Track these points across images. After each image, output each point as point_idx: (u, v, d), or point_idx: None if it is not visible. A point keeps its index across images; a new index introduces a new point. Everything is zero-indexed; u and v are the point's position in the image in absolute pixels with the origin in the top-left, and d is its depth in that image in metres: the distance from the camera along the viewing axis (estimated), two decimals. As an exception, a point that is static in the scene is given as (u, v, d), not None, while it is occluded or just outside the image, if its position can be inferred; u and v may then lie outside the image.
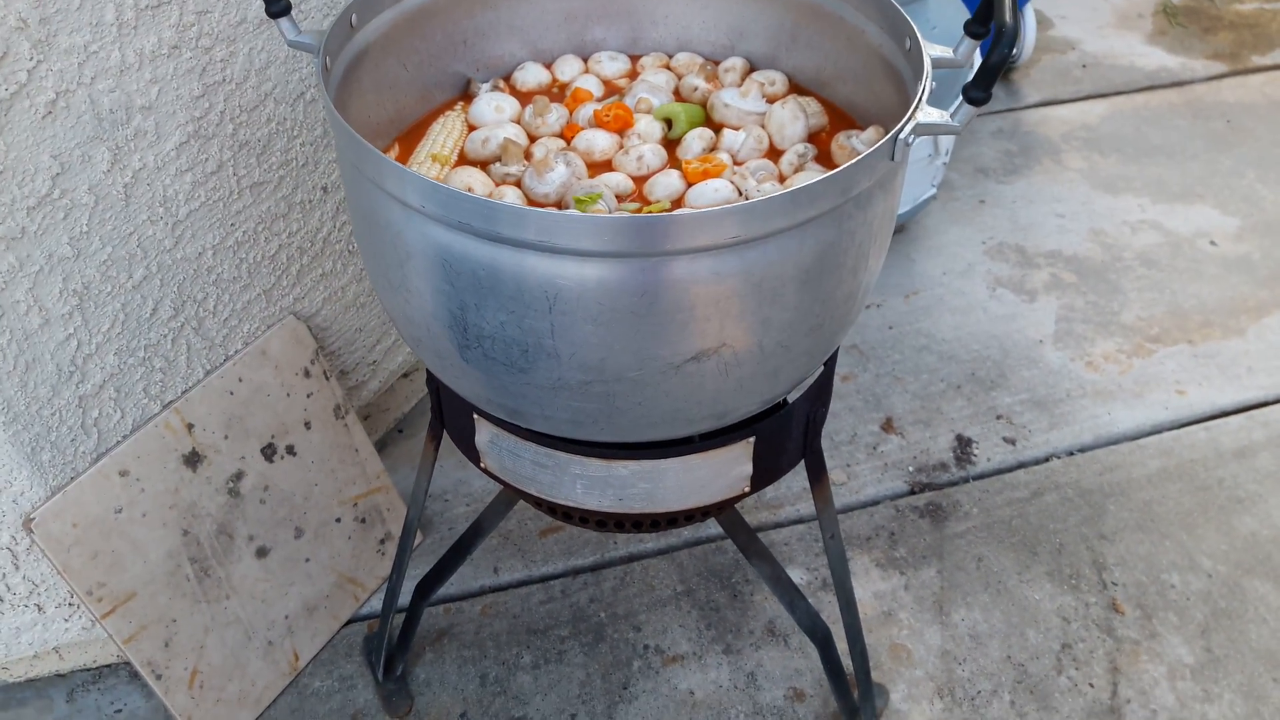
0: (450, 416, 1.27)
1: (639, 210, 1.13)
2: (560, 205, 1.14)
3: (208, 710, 1.56)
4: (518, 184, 1.17)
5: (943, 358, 2.23)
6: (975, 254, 2.50)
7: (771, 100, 1.26)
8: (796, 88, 1.31)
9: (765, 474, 1.22)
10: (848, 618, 1.47)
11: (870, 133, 1.18)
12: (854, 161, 0.92)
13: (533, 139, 1.24)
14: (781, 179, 1.17)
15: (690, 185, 1.15)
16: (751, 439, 1.17)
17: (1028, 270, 2.45)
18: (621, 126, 1.24)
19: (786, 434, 1.22)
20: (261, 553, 1.61)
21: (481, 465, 1.26)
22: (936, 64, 1.06)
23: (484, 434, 1.22)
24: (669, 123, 1.25)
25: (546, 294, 0.92)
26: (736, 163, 1.20)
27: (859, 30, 1.20)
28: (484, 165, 1.20)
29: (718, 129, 1.24)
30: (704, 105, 1.28)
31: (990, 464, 2.01)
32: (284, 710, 1.65)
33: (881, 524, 1.91)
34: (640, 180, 1.18)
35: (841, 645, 1.56)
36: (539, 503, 1.27)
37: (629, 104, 1.27)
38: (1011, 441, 2.05)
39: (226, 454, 1.54)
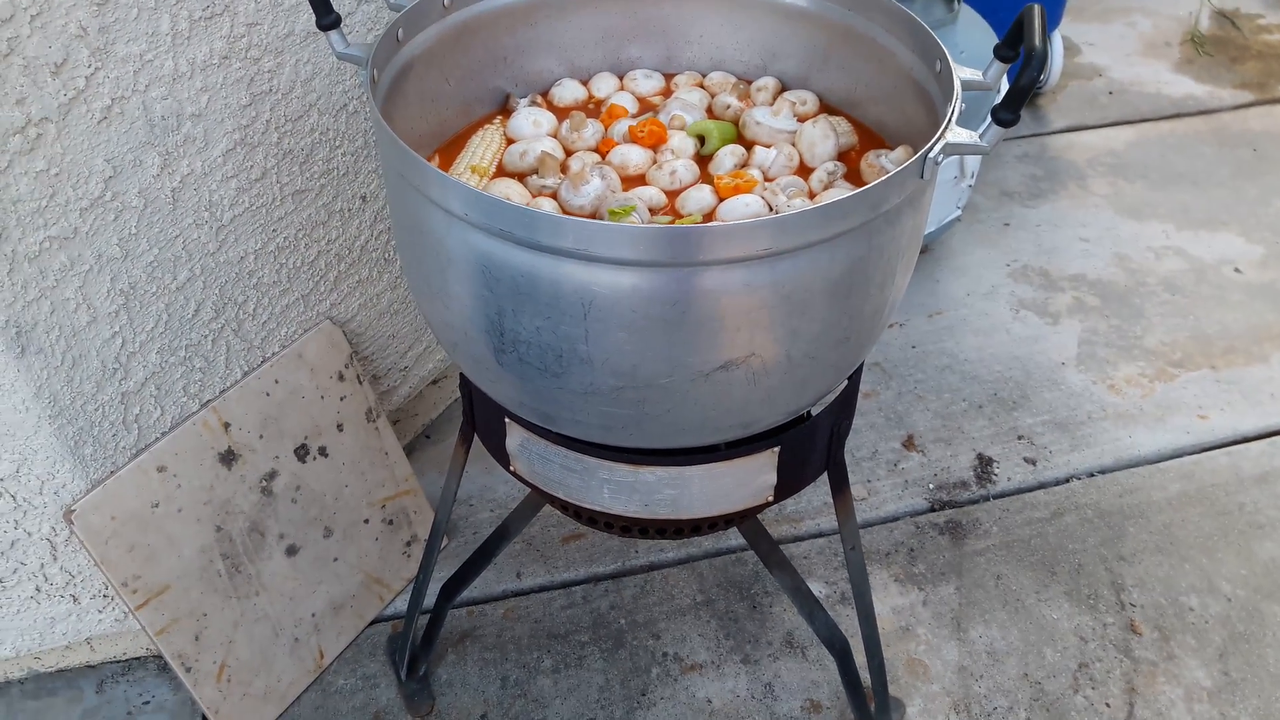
0: (482, 420, 1.30)
1: (672, 223, 1.16)
2: (595, 217, 1.17)
3: (234, 704, 1.59)
4: (554, 196, 1.20)
5: (965, 377, 2.24)
6: (999, 276, 2.52)
7: (802, 119, 1.29)
8: (827, 107, 1.34)
9: (788, 484, 1.25)
10: (866, 630, 1.48)
11: (899, 152, 1.20)
12: (885, 178, 0.94)
13: (569, 153, 1.28)
14: (811, 195, 1.20)
15: (722, 200, 1.18)
16: (776, 449, 1.19)
17: (1051, 293, 2.47)
18: (655, 142, 1.27)
19: (810, 445, 1.24)
20: (291, 551, 1.65)
21: (511, 469, 1.29)
22: (966, 86, 1.09)
23: (515, 438, 1.25)
24: (702, 139, 1.28)
25: (582, 301, 0.95)
26: (767, 179, 1.23)
27: (890, 52, 1.22)
28: (521, 177, 1.23)
29: (749, 146, 1.27)
30: (736, 123, 1.31)
31: (1011, 483, 2.02)
32: (308, 707, 1.68)
33: (901, 540, 1.92)
34: (673, 194, 1.21)
35: (859, 658, 1.58)
36: (565, 507, 1.30)
37: (663, 120, 1.30)
38: (1032, 462, 2.06)
39: (261, 453, 1.58)
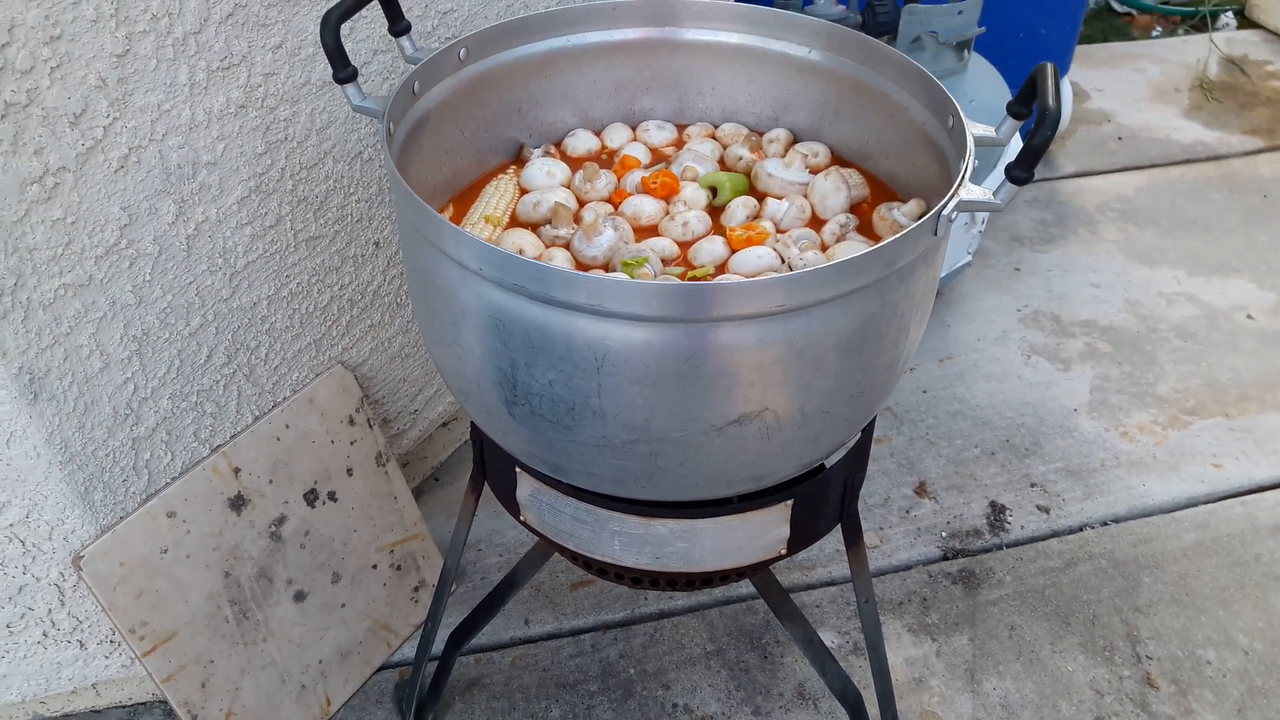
0: (492, 469, 1.29)
1: (684, 275, 1.17)
2: (608, 268, 1.17)
3: (240, 753, 1.58)
4: (567, 246, 1.20)
5: (977, 423, 2.23)
6: (1010, 321, 2.51)
7: (814, 171, 1.30)
8: (839, 159, 1.34)
9: (802, 537, 1.24)
10: (880, 683, 1.47)
11: (912, 205, 1.21)
12: (899, 236, 0.94)
13: (582, 203, 1.28)
14: (824, 248, 1.20)
15: (734, 252, 1.18)
16: (789, 502, 1.18)
17: (1063, 339, 2.46)
18: (668, 193, 1.28)
19: (824, 498, 1.23)
20: (299, 597, 1.64)
21: (521, 518, 1.28)
22: (979, 142, 1.09)
23: (525, 488, 1.24)
24: (714, 191, 1.28)
25: (595, 355, 0.95)
26: (779, 231, 1.23)
27: (902, 107, 1.23)
28: (535, 227, 1.24)
29: (761, 198, 1.27)
30: (748, 174, 1.31)
31: (1024, 532, 2.01)
32: (313, 756, 1.67)
33: (914, 589, 1.90)
34: (685, 245, 1.21)
35: (872, 710, 1.56)
36: (575, 557, 1.29)
37: (675, 171, 1.30)
38: (1045, 510, 2.05)
39: (271, 498, 1.57)
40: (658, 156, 1.36)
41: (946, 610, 1.87)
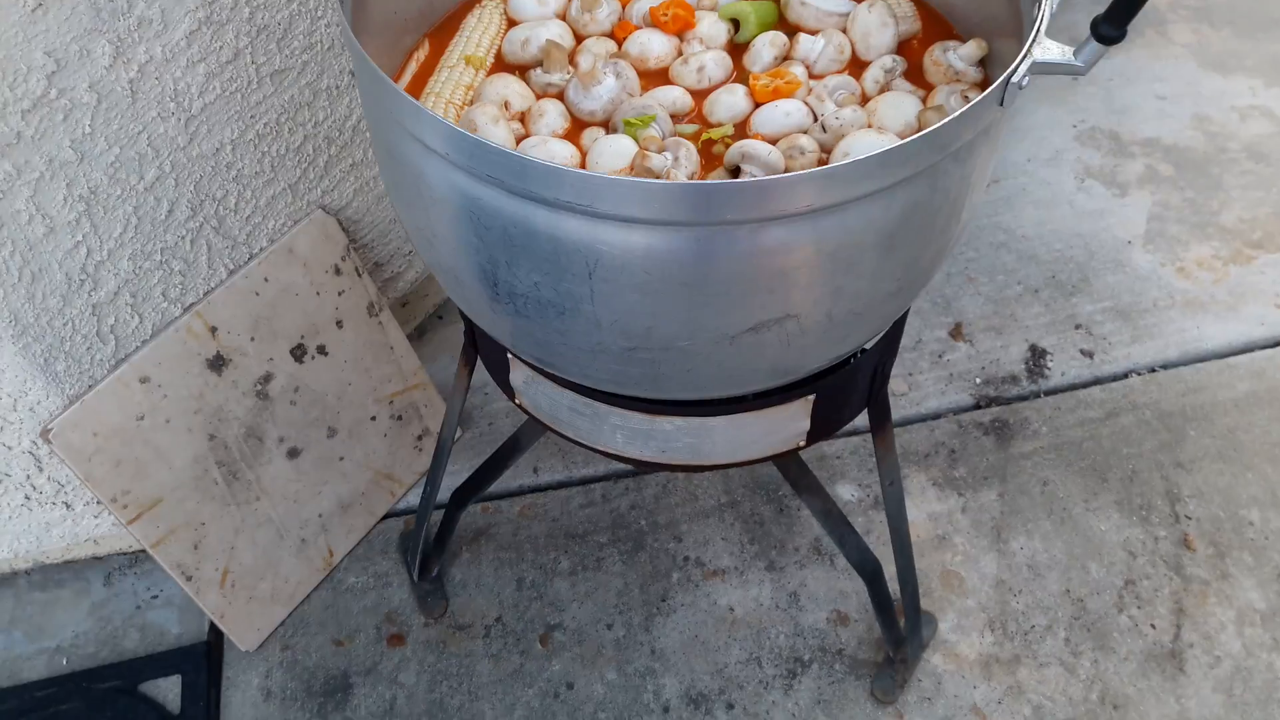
0: (485, 350, 1.17)
1: (698, 135, 1.00)
2: (608, 125, 1.01)
3: (240, 608, 1.54)
4: (560, 96, 1.03)
5: (1021, 257, 2.07)
6: (1064, 139, 2.29)
7: (857, 0, 1.09)
8: (886, -17, 1.13)
9: (823, 428, 1.12)
10: (901, 562, 1.39)
11: (971, 47, 1.01)
12: (956, 115, 0.77)
13: (579, 39, 1.10)
14: (864, 100, 1.02)
15: (757, 105, 1.01)
16: (811, 397, 1.06)
17: (1121, 160, 2.25)
18: (681, 28, 1.09)
19: (851, 388, 1.11)
20: (293, 454, 1.56)
21: (516, 401, 1.17)
22: (1059, -23, 0.89)
23: (519, 374, 1.12)
24: (736, 24, 1.09)
25: (586, 260, 0.80)
26: (812, 76, 1.05)
27: (965, -81, 1.02)
28: (523, 71, 1.06)
29: (792, 32, 1.08)
30: (777, 2, 1.11)
31: (1064, 378, 1.88)
32: (318, 606, 1.64)
33: (942, 440, 1.80)
34: (700, 95, 1.04)
35: (889, 570, 1.49)
36: (575, 443, 1.18)
37: (690, 0, 1.11)
38: (1089, 354, 1.91)
39: (253, 356, 1.47)
40: (670, -21, 1.15)
41: (975, 463, 1.77)
